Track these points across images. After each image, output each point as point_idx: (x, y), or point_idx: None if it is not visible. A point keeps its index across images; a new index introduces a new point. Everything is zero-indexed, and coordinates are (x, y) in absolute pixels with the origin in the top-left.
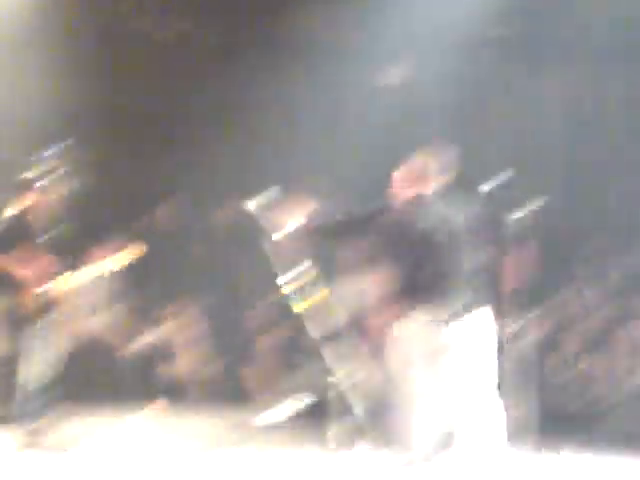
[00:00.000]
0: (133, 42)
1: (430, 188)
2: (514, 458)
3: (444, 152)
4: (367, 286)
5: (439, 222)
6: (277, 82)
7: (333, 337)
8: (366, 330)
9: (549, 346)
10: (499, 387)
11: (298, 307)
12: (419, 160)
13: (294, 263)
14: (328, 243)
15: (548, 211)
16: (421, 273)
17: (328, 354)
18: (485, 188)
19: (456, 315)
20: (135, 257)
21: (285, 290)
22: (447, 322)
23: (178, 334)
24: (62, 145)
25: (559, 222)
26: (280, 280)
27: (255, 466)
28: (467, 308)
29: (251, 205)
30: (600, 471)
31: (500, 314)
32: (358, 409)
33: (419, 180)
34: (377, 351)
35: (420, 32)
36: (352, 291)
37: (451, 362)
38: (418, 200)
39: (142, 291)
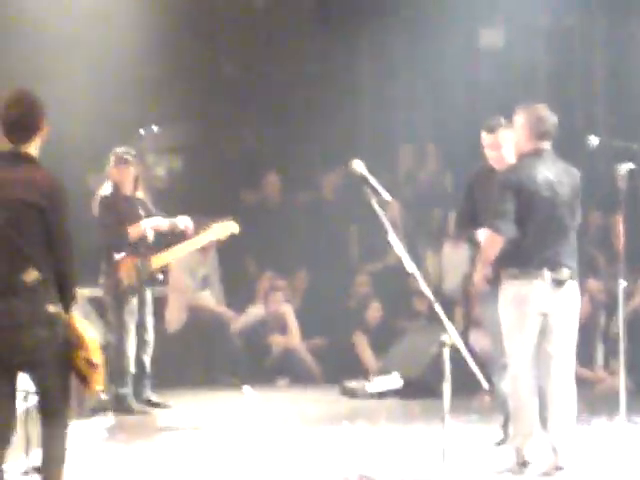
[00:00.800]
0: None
1: (545, 144)
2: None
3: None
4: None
5: (566, 179)
6: (377, 42)
7: (444, 298)
8: (474, 289)
9: None
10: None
11: (409, 269)
12: (537, 115)
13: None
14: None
15: None
16: (539, 233)
17: (440, 313)
18: (594, 141)
19: (568, 279)
20: (231, 231)
21: (395, 252)
22: (559, 285)
23: (288, 306)
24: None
25: None
26: (391, 242)
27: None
28: (575, 273)
29: (357, 165)
30: None
31: (612, 274)
32: (472, 366)
33: (538, 135)
34: (485, 309)
35: None
36: (460, 253)
37: (559, 327)
38: (537, 154)
39: (250, 263)
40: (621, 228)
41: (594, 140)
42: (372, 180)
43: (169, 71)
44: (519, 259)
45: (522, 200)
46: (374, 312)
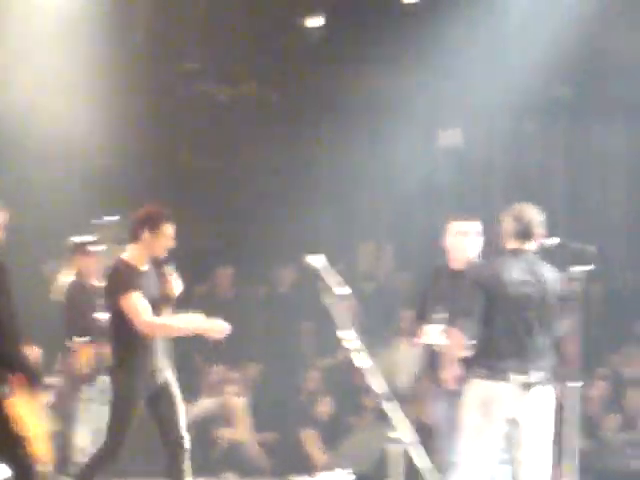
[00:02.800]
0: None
1: (527, 245)
2: None
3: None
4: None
5: (536, 281)
6: (339, 143)
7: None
8: (441, 382)
9: (612, 406)
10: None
11: (358, 364)
12: (516, 215)
13: (354, 321)
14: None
15: (614, 268)
16: (510, 332)
17: (391, 412)
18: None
19: (537, 382)
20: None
21: (348, 348)
22: (530, 387)
23: (239, 399)
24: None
25: (620, 280)
26: (343, 338)
27: None
28: (549, 374)
29: (313, 261)
30: None
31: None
32: (422, 465)
33: (516, 235)
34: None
35: (477, 95)
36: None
37: (529, 434)
38: (514, 254)
39: (198, 358)
40: (573, 331)
41: (552, 241)
42: (326, 276)
43: (124, 160)
44: (485, 359)
45: (489, 299)
46: (324, 407)
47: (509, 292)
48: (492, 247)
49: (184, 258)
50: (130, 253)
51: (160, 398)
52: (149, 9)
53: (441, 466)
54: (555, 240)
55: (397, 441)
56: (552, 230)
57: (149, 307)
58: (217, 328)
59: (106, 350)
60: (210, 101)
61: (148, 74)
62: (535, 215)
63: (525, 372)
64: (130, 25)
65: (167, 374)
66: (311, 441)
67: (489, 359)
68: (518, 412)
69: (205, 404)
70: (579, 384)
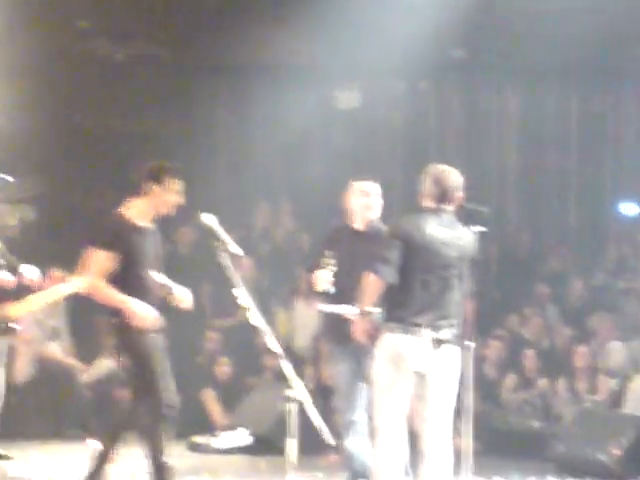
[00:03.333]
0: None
1: (445, 206)
2: None
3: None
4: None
5: (458, 240)
6: (234, 102)
7: (293, 357)
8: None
9: (509, 366)
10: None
11: (254, 323)
12: (435, 176)
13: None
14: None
15: (509, 229)
16: (422, 289)
17: (288, 370)
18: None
19: (449, 339)
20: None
21: (245, 308)
22: (441, 344)
23: None
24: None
25: (521, 240)
26: (239, 297)
27: None
28: (457, 336)
29: (207, 218)
30: None
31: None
32: (319, 424)
33: (435, 197)
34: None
35: (376, 54)
36: (313, 312)
37: (436, 390)
38: (433, 212)
39: (100, 318)
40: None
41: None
42: (222, 234)
43: (20, 120)
44: (399, 313)
45: (408, 253)
46: (223, 368)
47: (429, 248)
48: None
49: (85, 220)
50: (132, 208)
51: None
52: None
53: (340, 426)
54: None
55: (294, 400)
56: None
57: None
58: (141, 316)
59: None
60: (105, 61)
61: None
62: (456, 179)
63: (438, 328)
64: None
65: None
66: (211, 401)
67: (403, 313)
68: (427, 367)
69: (104, 364)
70: (473, 344)
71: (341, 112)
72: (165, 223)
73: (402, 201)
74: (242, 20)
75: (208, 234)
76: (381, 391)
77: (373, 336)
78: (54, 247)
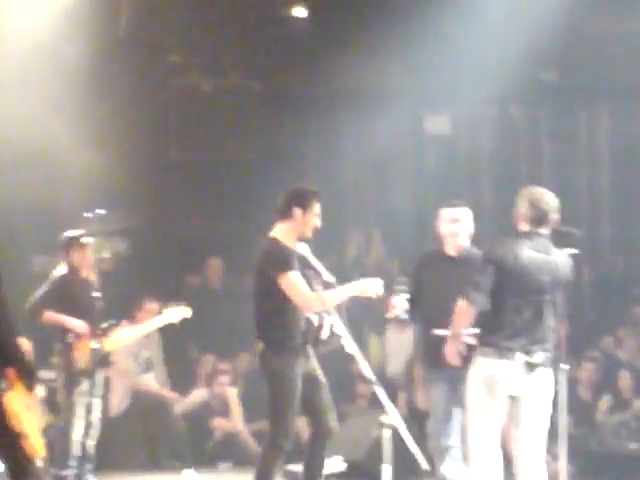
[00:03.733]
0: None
1: (541, 229)
2: None
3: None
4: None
5: (553, 265)
6: (323, 130)
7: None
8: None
9: (604, 388)
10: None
11: (349, 350)
12: (531, 199)
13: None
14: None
15: (603, 251)
16: (519, 313)
17: (381, 396)
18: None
19: (541, 363)
20: (184, 316)
21: (339, 335)
22: (535, 368)
23: (232, 389)
24: (113, 208)
25: (614, 262)
26: (333, 325)
27: None
28: (550, 360)
29: (300, 247)
30: None
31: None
32: (415, 450)
33: (530, 220)
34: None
35: (466, 79)
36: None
37: (529, 413)
38: (527, 237)
39: (193, 347)
40: (562, 314)
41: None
42: (314, 262)
43: (116, 155)
44: (492, 338)
45: (501, 278)
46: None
47: (522, 273)
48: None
49: (176, 249)
50: (280, 232)
51: (311, 384)
52: (132, 2)
53: (435, 451)
54: None
55: (389, 427)
56: None
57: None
58: (368, 286)
59: (101, 343)
60: (196, 93)
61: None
62: (551, 201)
63: (531, 353)
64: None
65: (313, 360)
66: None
67: (496, 338)
68: (520, 391)
69: (198, 394)
70: (567, 367)
71: (431, 137)
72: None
73: (493, 226)
74: (330, 48)
75: (302, 262)
76: (475, 415)
77: (466, 358)
78: (147, 279)
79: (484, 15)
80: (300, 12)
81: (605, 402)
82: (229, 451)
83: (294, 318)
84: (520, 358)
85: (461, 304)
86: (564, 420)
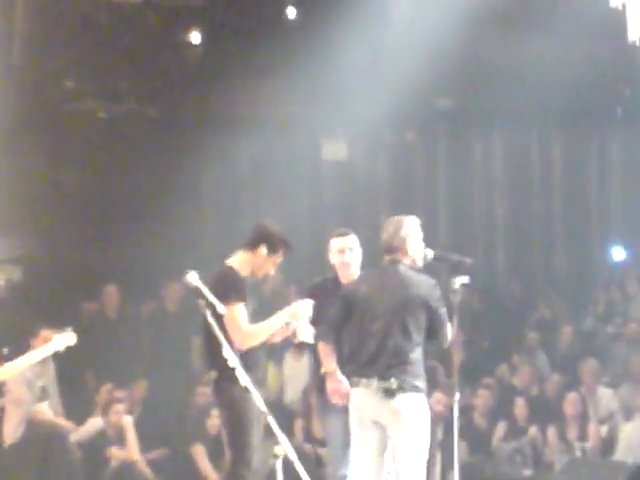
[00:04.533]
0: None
1: (390, 256)
2: None
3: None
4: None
5: (395, 289)
6: (222, 158)
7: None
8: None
9: (500, 415)
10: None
11: (242, 382)
12: (386, 227)
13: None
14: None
15: (498, 278)
16: (370, 341)
17: (274, 426)
18: (429, 254)
19: (397, 389)
20: (70, 342)
21: (232, 368)
22: (388, 395)
23: (128, 418)
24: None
25: (510, 289)
26: (224, 354)
27: None
28: (409, 385)
29: (192, 277)
30: None
31: (450, 386)
32: (305, 478)
33: (392, 250)
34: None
35: (361, 105)
36: (302, 365)
37: (398, 442)
38: (380, 267)
39: (89, 375)
40: (456, 340)
41: (429, 253)
42: (207, 292)
43: (7, 179)
44: (352, 367)
45: (349, 310)
46: (214, 421)
47: (365, 301)
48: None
49: (72, 276)
50: (238, 261)
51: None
52: (26, 28)
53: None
54: (431, 252)
55: (281, 456)
56: (434, 242)
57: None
58: (299, 309)
59: None
60: (91, 119)
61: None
62: (394, 227)
63: (386, 378)
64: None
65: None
66: (201, 456)
67: (354, 367)
68: (384, 418)
69: (94, 423)
70: (458, 395)
71: (328, 163)
72: (153, 280)
73: None
74: (226, 73)
75: (194, 292)
76: (353, 445)
77: (345, 395)
78: (43, 307)
79: (382, 43)
80: (195, 38)
81: (500, 429)
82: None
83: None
84: (376, 384)
85: (319, 342)
86: (457, 447)
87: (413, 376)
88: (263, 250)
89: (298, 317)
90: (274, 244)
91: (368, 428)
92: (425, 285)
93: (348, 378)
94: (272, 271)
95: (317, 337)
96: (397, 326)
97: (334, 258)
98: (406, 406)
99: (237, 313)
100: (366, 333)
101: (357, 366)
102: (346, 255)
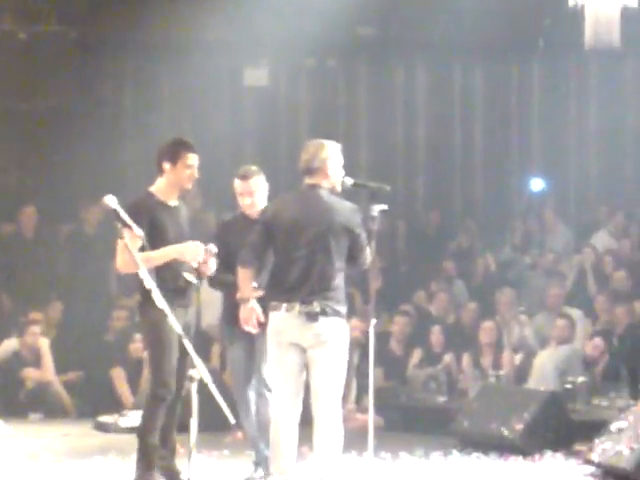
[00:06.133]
0: None
1: (308, 179)
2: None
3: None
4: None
5: (319, 215)
6: (140, 78)
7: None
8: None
9: (416, 342)
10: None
11: (158, 304)
12: (306, 150)
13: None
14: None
15: (417, 206)
16: (288, 267)
17: (189, 349)
18: (348, 182)
19: (319, 312)
20: None
21: (148, 290)
22: (311, 319)
23: (43, 339)
24: None
25: (428, 217)
26: (140, 275)
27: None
28: (332, 309)
29: (110, 200)
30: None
31: (367, 312)
32: (220, 401)
33: (312, 172)
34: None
35: (284, 31)
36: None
37: (318, 362)
38: (298, 191)
39: (5, 296)
40: (374, 267)
41: (348, 181)
42: (124, 215)
43: None
44: (274, 292)
45: (272, 235)
46: (136, 345)
47: (288, 227)
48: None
49: None
50: (156, 186)
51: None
52: None
53: (239, 403)
54: (350, 179)
55: (196, 379)
56: (355, 169)
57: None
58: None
59: None
60: (10, 39)
61: None
62: (319, 150)
63: (308, 302)
64: None
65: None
66: (119, 380)
67: (277, 291)
68: (305, 341)
69: (9, 344)
70: (374, 321)
71: (249, 89)
72: (72, 202)
73: None
74: None
75: (112, 215)
76: (271, 367)
77: (260, 322)
78: None
79: None
80: None
81: (416, 356)
82: (40, 402)
83: (168, 269)
84: (298, 308)
85: (238, 267)
86: (372, 373)
87: (335, 301)
88: (166, 165)
89: (184, 256)
90: (171, 155)
91: (288, 350)
92: (347, 211)
93: (269, 302)
94: (188, 183)
95: (238, 262)
96: (321, 252)
97: (240, 199)
98: (328, 329)
99: (125, 237)
100: (290, 259)
101: (280, 291)
102: (245, 200)
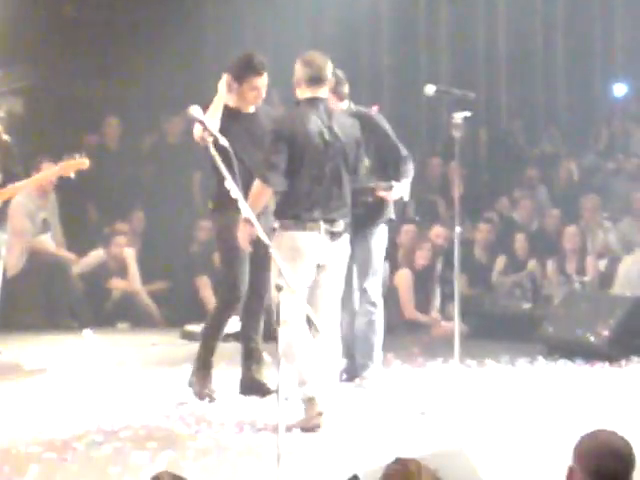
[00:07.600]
0: None
1: (319, 92)
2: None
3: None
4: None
5: (339, 129)
6: None
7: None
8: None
9: (500, 249)
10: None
11: (244, 214)
12: (306, 61)
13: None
14: None
15: (500, 113)
16: (313, 185)
17: (277, 259)
18: (430, 90)
19: (343, 231)
20: (80, 170)
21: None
22: (334, 237)
23: (129, 250)
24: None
25: (511, 124)
26: (227, 187)
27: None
28: (348, 226)
29: (195, 110)
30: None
31: (448, 219)
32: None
33: (309, 82)
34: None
35: None
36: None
37: (330, 279)
38: (310, 104)
39: (91, 208)
40: (457, 175)
41: (430, 89)
42: (210, 126)
43: (11, 10)
44: (293, 211)
45: (294, 152)
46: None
47: (313, 143)
48: None
49: (73, 108)
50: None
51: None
52: None
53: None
54: (432, 87)
55: (283, 288)
56: (437, 77)
57: None
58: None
59: None
60: None
61: None
62: (324, 61)
63: (333, 221)
64: None
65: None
66: (204, 287)
67: (297, 210)
68: (325, 259)
69: (96, 255)
70: (458, 228)
71: None
72: (155, 113)
73: None
74: None
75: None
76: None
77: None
78: (44, 139)
79: None
80: None
81: (500, 262)
82: (127, 311)
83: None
84: (322, 227)
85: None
86: (458, 281)
87: (348, 218)
88: (233, 84)
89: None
90: (237, 73)
91: (307, 269)
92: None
93: (284, 220)
94: (253, 104)
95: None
96: (343, 168)
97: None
98: (345, 247)
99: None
100: (312, 176)
101: (301, 209)
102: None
